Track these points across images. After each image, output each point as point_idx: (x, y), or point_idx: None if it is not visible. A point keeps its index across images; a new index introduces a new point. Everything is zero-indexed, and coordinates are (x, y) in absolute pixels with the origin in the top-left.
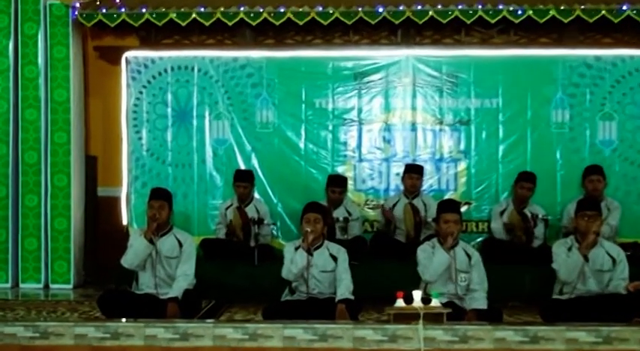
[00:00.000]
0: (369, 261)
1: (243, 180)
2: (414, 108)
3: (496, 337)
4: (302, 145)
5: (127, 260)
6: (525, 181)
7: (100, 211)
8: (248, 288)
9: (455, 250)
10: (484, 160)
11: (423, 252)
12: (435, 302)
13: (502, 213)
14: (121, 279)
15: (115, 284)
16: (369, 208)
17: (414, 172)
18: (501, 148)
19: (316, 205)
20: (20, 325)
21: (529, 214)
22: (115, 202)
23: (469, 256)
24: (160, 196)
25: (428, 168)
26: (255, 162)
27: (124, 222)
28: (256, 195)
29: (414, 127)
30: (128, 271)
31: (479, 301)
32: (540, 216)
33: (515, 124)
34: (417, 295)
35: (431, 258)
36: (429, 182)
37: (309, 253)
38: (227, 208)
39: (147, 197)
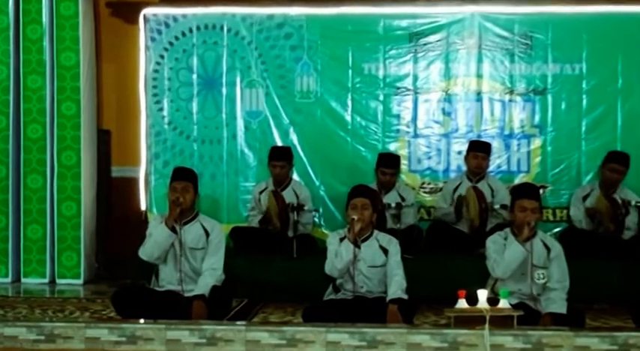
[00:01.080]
0: (426, 254)
1: (280, 159)
2: (479, 75)
3: (577, 344)
4: (348, 118)
5: (146, 252)
6: (616, 163)
7: (114, 195)
8: (285, 285)
9: (532, 242)
10: (563, 137)
11: (493, 244)
12: (503, 303)
13: (585, 198)
14: (139, 273)
15: (132, 279)
16: (426, 193)
17: (479, 150)
18: (585, 122)
19: (364, 188)
20: (22, 326)
21: (619, 200)
22: (131, 183)
23: (548, 249)
24: (184, 177)
25: (495, 145)
26: (293, 137)
27: (143, 207)
28: (295, 176)
29: (479, 97)
30: (147, 264)
31: (557, 302)
32: (634, 202)
33: (602, 93)
34: (483, 294)
35: (502, 251)
36: (496, 162)
37: (356, 245)
38: (261, 192)
39: (168, 178)
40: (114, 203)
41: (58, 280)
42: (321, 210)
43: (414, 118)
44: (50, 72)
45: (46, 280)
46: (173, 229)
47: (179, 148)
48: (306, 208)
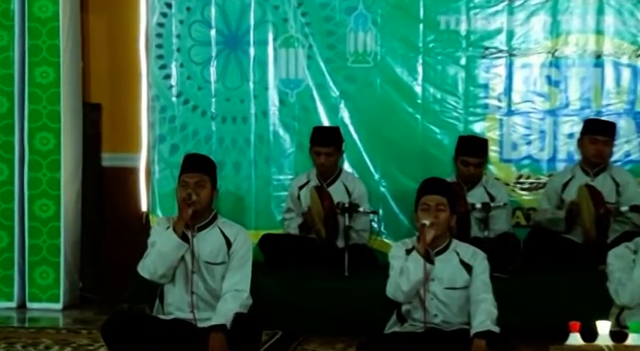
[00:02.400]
0: (524, 272)
1: (326, 143)
2: (599, 31)
3: None
4: (418, 89)
5: (148, 267)
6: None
7: (106, 191)
8: (333, 312)
9: None
10: None
11: (618, 259)
12: (633, 339)
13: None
14: (138, 296)
15: (129, 304)
16: (524, 189)
17: (598, 132)
18: None
19: (440, 183)
20: None
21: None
22: (128, 176)
23: None
24: (199, 168)
25: (622, 126)
26: (345, 115)
27: (143, 207)
28: (347, 167)
29: (599, 62)
30: (149, 284)
31: None
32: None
33: None
34: (604, 327)
35: (632, 269)
36: (623, 148)
37: (428, 259)
38: (301, 187)
39: (178, 169)
40: (105, 202)
41: (29, 304)
42: (380, 212)
43: (508, 89)
44: (20, 26)
45: (14, 304)
46: (184, 237)
47: (192, 128)
48: (360, 209)
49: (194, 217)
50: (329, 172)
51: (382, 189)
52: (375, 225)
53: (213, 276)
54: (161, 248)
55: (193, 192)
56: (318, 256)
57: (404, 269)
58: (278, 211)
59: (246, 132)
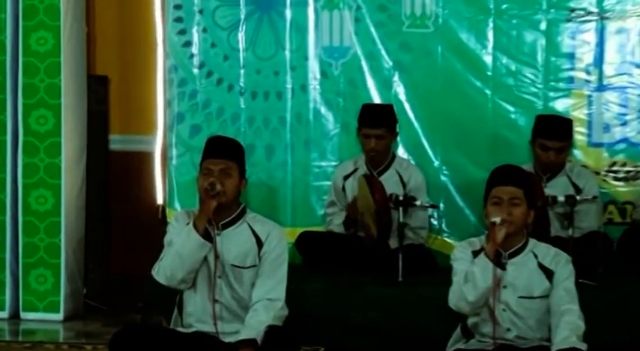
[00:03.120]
0: (617, 278)
1: (377, 124)
2: None
3: None
4: (488, 59)
5: (164, 270)
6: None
7: (114, 180)
8: (385, 325)
9: None
10: None
11: None
12: None
13: None
14: (153, 305)
15: (143, 314)
16: (618, 180)
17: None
18: None
19: (514, 172)
20: None
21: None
22: (141, 162)
23: None
24: (224, 153)
25: None
26: (399, 90)
27: (159, 200)
28: (401, 152)
29: None
30: (166, 290)
31: None
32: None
33: None
34: None
35: None
36: None
37: (499, 263)
38: (347, 177)
39: (200, 154)
40: (114, 194)
41: (23, 315)
42: (442, 206)
43: (599, 60)
44: None
45: (5, 315)
46: (206, 235)
47: (216, 105)
48: (417, 202)
49: (218, 211)
50: (380, 159)
51: (444, 178)
52: (435, 222)
53: (241, 282)
54: (179, 248)
55: (217, 181)
56: (367, 259)
57: (469, 275)
58: (319, 205)
59: (281, 110)
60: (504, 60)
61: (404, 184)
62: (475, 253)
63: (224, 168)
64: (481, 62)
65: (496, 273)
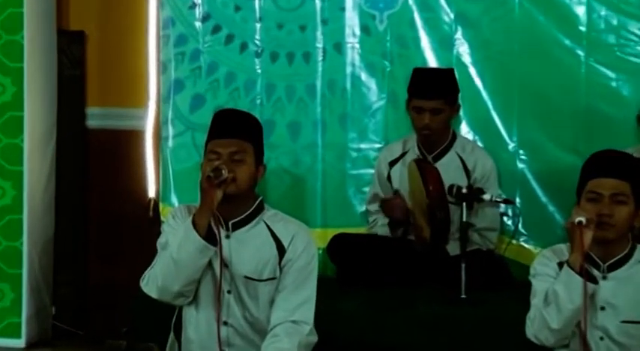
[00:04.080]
0: None
1: (433, 94)
2: None
3: None
4: (580, 10)
5: (156, 280)
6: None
7: (93, 166)
8: None
9: None
10: None
11: None
12: None
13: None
14: (143, 327)
15: (129, 340)
16: None
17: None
18: None
19: (619, 160)
20: None
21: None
22: (127, 143)
23: None
24: (237, 132)
25: None
26: (462, 50)
27: (150, 192)
28: (465, 131)
29: None
30: (158, 308)
31: None
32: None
33: None
34: None
35: None
36: None
37: (588, 275)
38: (394, 163)
39: (204, 133)
40: (92, 184)
41: None
42: (518, 201)
43: None
44: None
45: None
46: (209, 236)
47: (225, 70)
48: (486, 196)
49: (228, 206)
50: (437, 139)
51: (521, 165)
52: (509, 222)
53: (257, 298)
54: (175, 252)
55: (226, 166)
56: (419, 269)
57: (551, 294)
58: (358, 200)
59: (310, 76)
60: (602, 11)
61: (468, 173)
62: (561, 265)
63: (236, 151)
64: (572, 14)
65: (586, 289)
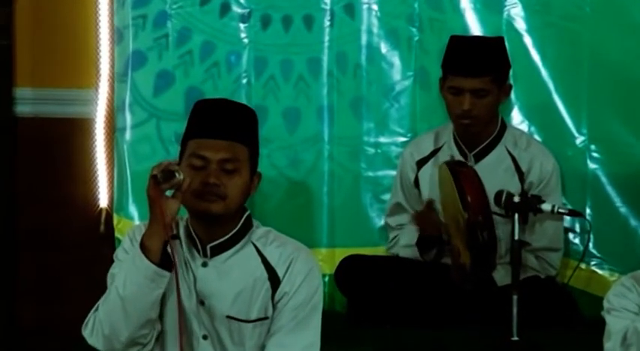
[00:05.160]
0: None
1: (474, 70)
2: None
3: None
4: None
5: (101, 326)
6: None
7: (24, 165)
8: None
9: None
10: None
11: None
12: None
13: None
14: None
15: None
16: None
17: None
18: None
19: None
20: None
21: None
22: (71, 135)
23: None
24: (231, 130)
25: None
26: (515, 14)
27: (101, 201)
28: (517, 121)
29: None
30: None
31: None
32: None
33: None
34: None
35: None
36: None
37: None
38: (423, 162)
39: (172, 123)
40: (23, 189)
41: None
42: (589, 213)
43: None
44: None
45: None
46: (163, 261)
47: (201, 38)
48: (546, 206)
49: (205, 225)
50: (479, 130)
51: (592, 166)
52: (577, 240)
53: (243, 345)
54: (122, 287)
55: (214, 176)
56: (456, 304)
57: (632, 335)
58: (376, 211)
59: (312, 48)
60: None
61: (521, 175)
62: None
63: (229, 159)
64: None
65: None
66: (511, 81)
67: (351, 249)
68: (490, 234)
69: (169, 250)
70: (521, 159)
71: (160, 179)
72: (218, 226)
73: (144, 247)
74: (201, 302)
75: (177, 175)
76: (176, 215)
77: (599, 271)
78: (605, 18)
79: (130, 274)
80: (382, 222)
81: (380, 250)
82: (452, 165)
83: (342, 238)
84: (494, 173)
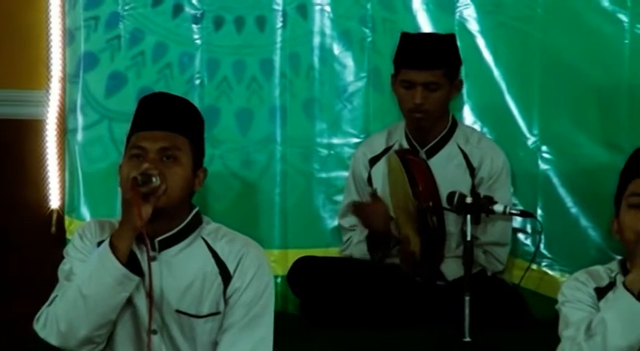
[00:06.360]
0: None
1: (426, 64)
2: None
3: None
4: None
5: (57, 322)
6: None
7: None
8: None
9: None
10: None
11: None
12: None
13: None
14: None
15: None
16: None
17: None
18: None
19: None
20: None
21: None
22: (21, 137)
23: None
24: (169, 122)
25: None
26: (467, 14)
27: (52, 202)
28: (468, 118)
29: None
30: None
31: None
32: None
33: None
34: None
35: None
36: None
37: None
38: (375, 160)
39: (124, 124)
40: None
41: None
42: (540, 213)
43: None
44: None
45: None
46: (131, 263)
47: (153, 39)
48: (497, 207)
49: (155, 219)
50: (432, 126)
51: (544, 166)
52: (528, 241)
53: (193, 340)
54: (85, 285)
55: (156, 167)
56: (408, 303)
57: (598, 325)
58: (329, 212)
59: (265, 49)
60: None
61: (472, 171)
62: (601, 292)
63: (167, 147)
64: None
65: None
66: (463, 81)
67: (304, 250)
68: (439, 219)
69: (146, 252)
70: (472, 155)
71: (140, 182)
72: (163, 219)
73: (113, 247)
74: (151, 297)
75: (154, 179)
76: (148, 219)
77: (550, 272)
78: (556, 19)
79: (95, 273)
80: (335, 223)
81: (332, 252)
82: (401, 153)
83: (295, 240)
84: (446, 169)
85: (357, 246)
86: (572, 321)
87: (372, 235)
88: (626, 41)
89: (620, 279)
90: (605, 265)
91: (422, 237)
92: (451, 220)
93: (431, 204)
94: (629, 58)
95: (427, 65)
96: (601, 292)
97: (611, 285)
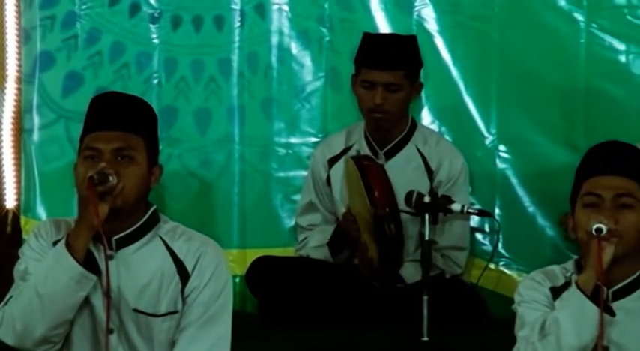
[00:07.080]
0: None
1: (386, 64)
2: None
3: None
4: None
5: (13, 322)
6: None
7: None
8: None
9: None
10: None
11: None
12: None
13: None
14: None
15: None
16: None
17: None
18: None
19: (623, 153)
20: None
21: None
22: None
23: None
24: (123, 122)
25: None
26: (426, 15)
27: (8, 202)
28: (427, 119)
29: None
30: None
31: None
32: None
33: None
34: None
35: None
36: None
37: (606, 306)
38: (334, 161)
39: (80, 123)
40: None
41: None
42: (497, 213)
43: None
44: None
45: None
46: (89, 263)
47: (111, 39)
48: (455, 206)
49: (111, 218)
50: (391, 127)
51: (501, 166)
52: (486, 240)
53: (151, 339)
54: (41, 284)
55: (111, 167)
56: (367, 304)
57: (551, 324)
58: (287, 211)
59: (223, 49)
60: None
61: (430, 173)
62: (557, 291)
63: (122, 147)
64: None
65: (603, 321)
66: (422, 81)
67: (262, 250)
68: (397, 227)
69: (104, 250)
70: (430, 157)
71: (97, 181)
72: (120, 218)
73: (70, 246)
74: (108, 296)
75: (111, 178)
76: (105, 218)
77: (508, 271)
78: (513, 18)
79: (51, 272)
80: (293, 222)
81: (291, 251)
82: (357, 159)
83: (253, 239)
84: (404, 171)
85: (314, 249)
86: (528, 321)
87: (337, 236)
88: (582, 41)
89: (575, 278)
90: (561, 265)
91: (379, 245)
92: (409, 224)
93: (387, 210)
94: (585, 57)
95: (388, 66)
96: (556, 292)
97: (567, 284)
